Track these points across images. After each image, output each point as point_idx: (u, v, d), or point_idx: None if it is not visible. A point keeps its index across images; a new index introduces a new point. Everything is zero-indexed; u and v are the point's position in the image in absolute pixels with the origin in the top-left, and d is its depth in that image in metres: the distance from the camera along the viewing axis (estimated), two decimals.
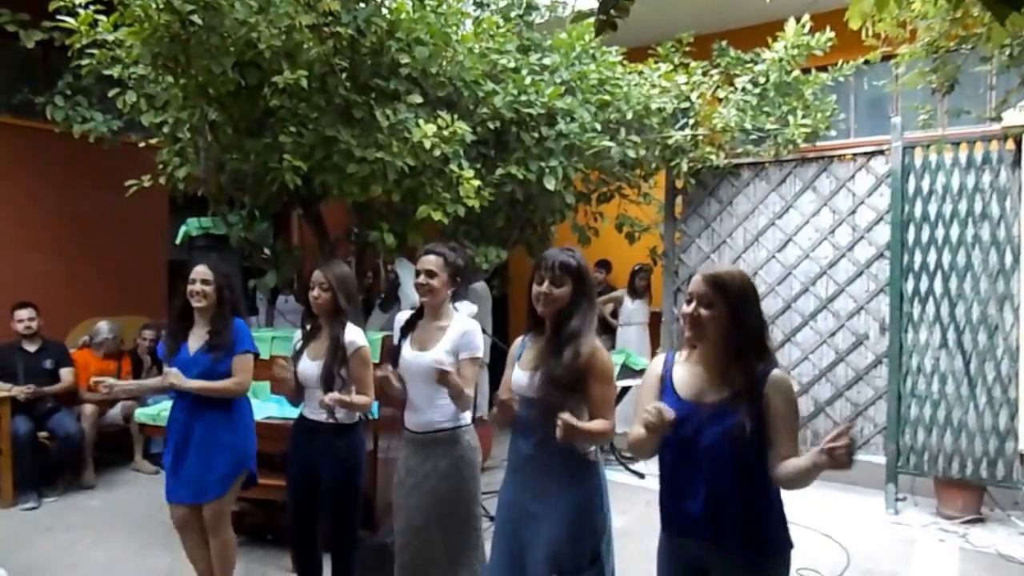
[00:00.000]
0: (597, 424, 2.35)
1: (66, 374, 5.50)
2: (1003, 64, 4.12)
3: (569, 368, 2.35)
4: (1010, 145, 4.87)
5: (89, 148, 5.06)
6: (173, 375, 3.17)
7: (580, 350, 2.37)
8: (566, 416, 2.16)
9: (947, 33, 4.32)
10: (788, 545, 2.05)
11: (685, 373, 2.11)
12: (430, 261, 2.94)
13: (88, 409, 5.57)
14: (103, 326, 5.85)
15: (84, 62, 4.29)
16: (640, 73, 5.37)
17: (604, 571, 2.44)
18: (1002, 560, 4.31)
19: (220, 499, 3.25)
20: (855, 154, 5.61)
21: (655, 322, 7.03)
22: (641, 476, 5.64)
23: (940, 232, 5.07)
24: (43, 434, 5.27)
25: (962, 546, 4.52)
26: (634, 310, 7.02)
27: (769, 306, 5.53)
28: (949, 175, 5.06)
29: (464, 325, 2.97)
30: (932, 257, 5.09)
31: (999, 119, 4.85)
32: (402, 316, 3.14)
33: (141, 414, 4.76)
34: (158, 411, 4.55)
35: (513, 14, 5.12)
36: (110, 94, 4.61)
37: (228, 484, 3.24)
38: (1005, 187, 4.87)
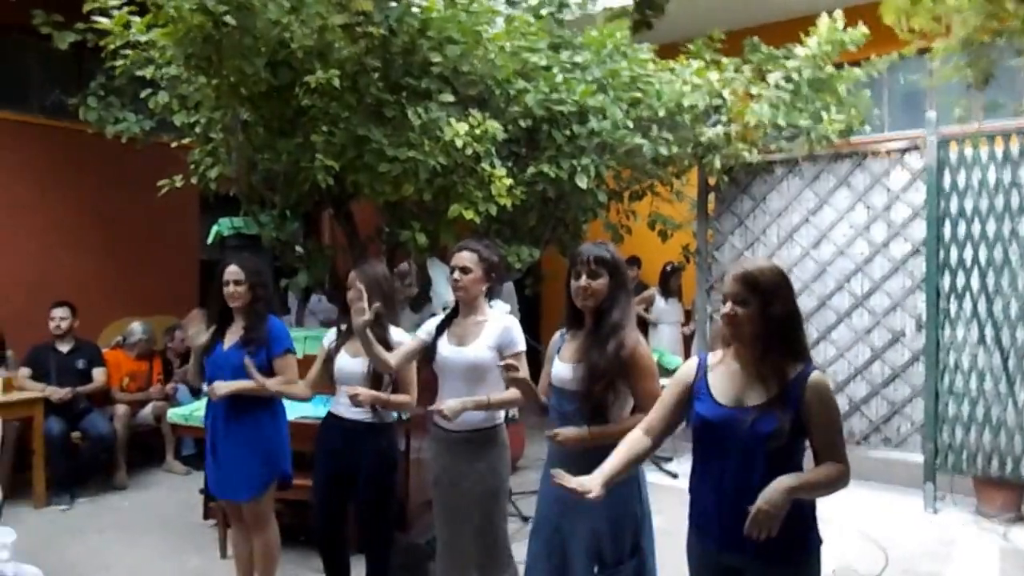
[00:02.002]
0: (626, 423, 2.35)
1: (98, 374, 5.54)
2: None
3: (613, 360, 2.37)
4: None
5: (121, 149, 5.09)
6: (213, 389, 3.16)
7: (624, 342, 2.40)
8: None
9: (982, 27, 4.24)
10: (817, 544, 2.03)
11: (722, 376, 2.08)
12: (464, 257, 2.92)
13: (120, 409, 5.62)
14: (136, 326, 5.89)
15: (117, 63, 4.32)
16: (672, 70, 5.31)
17: (645, 562, 2.45)
18: None
19: (256, 499, 3.25)
20: (889, 150, 5.53)
21: (687, 321, 7.01)
22: (674, 476, 5.60)
23: (977, 228, 4.99)
24: (76, 434, 5.31)
25: (1002, 545, 4.46)
26: (666, 309, 6.98)
27: (803, 304, 5.46)
28: (985, 170, 4.97)
29: (504, 321, 2.96)
30: (969, 253, 5.01)
31: None
32: (430, 323, 3.11)
33: (173, 414, 4.80)
34: (190, 411, 4.58)
35: (544, 12, 5.08)
36: (142, 95, 4.64)
37: (260, 485, 3.24)
38: None
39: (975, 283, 4.98)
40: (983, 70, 4.55)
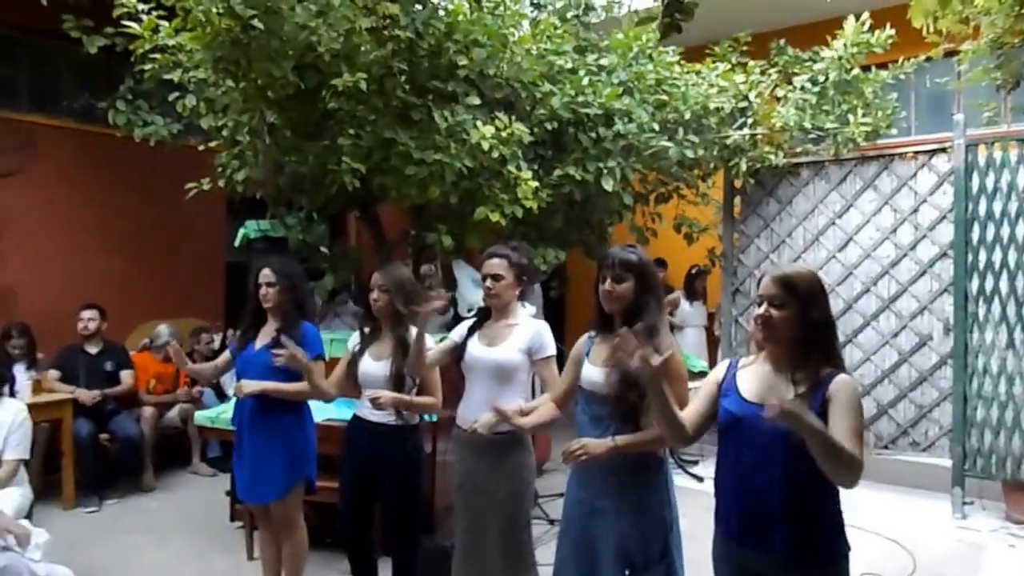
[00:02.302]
0: (654, 431, 2.33)
1: (126, 376, 5.58)
2: None
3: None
4: None
5: (149, 152, 5.14)
6: (240, 386, 3.20)
7: (659, 348, 2.34)
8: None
9: (1011, 29, 4.20)
10: (843, 553, 2.01)
11: (751, 375, 2.08)
12: (495, 264, 2.92)
13: (148, 412, 5.66)
14: (163, 329, 5.93)
15: (146, 67, 4.35)
16: (698, 73, 5.30)
17: (674, 566, 2.44)
18: None
19: (282, 502, 3.26)
20: (916, 152, 5.48)
21: (711, 324, 6.98)
22: (700, 479, 5.56)
23: (1005, 231, 4.94)
24: (104, 436, 5.35)
25: None
26: (691, 312, 6.98)
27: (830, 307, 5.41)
28: (1014, 172, 4.92)
29: (535, 325, 2.97)
30: (997, 256, 4.95)
31: None
32: (462, 326, 3.12)
33: (199, 416, 4.83)
34: (216, 413, 4.61)
35: (570, 15, 5.09)
36: (170, 98, 4.67)
37: (284, 488, 3.24)
38: None
39: (1004, 286, 4.92)
40: (1012, 72, 4.50)
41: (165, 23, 4.15)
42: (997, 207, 4.96)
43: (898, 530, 4.60)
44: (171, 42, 4.20)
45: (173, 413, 5.90)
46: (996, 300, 4.94)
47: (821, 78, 5.45)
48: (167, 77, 4.48)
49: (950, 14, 4.57)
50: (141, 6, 4.14)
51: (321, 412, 4.05)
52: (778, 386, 1.99)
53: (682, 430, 2.10)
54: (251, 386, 3.17)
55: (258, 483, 3.26)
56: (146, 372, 5.78)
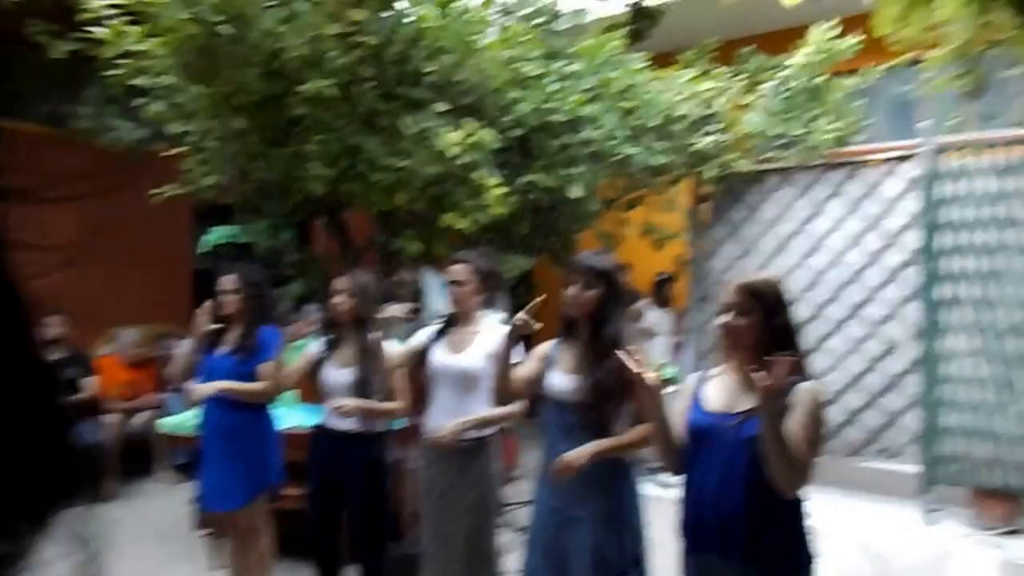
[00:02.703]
0: (631, 434, 2.34)
1: (88, 384, 5.50)
2: None
3: (618, 377, 2.31)
4: None
5: (116, 157, 5.08)
6: (198, 389, 3.17)
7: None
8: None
9: (975, 37, 4.27)
10: (808, 561, 2.01)
11: (717, 385, 2.10)
12: (458, 270, 2.94)
13: (111, 419, 5.57)
14: (128, 334, 5.86)
15: (112, 73, 4.31)
16: (665, 79, 5.33)
17: (644, 574, 2.45)
18: None
19: (246, 510, 3.24)
20: (883, 159, 5.54)
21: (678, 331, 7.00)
22: (668, 487, 5.56)
23: (971, 237, 4.99)
24: None
25: (999, 557, 4.42)
26: (658, 320, 6.96)
27: (798, 313, 5.42)
28: (979, 180, 4.98)
29: (500, 331, 2.95)
30: (963, 262, 5.01)
31: None
32: (423, 332, 3.12)
33: (164, 423, 4.76)
34: (181, 420, 4.56)
35: (537, 21, 5.10)
36: (137, 103, 4.63)
37: (247, 496, 3.23)
38: None
39: (970, 293, 4.97)
40: (976, 80, 4.56)
41: (132, 28, 4.12)
42: (962, 214, 5.01)
43: (867, 537, 4.62)
44: (138, 48, 4.17)
45: (138, 420, 5.81)
46: (963, 306, 4.99)
47: (788, 85, 5.51)
48: (134, 83, 4.44)
49: (915, 22, 4.63)
50: (107, 11, 4.10)
51: (287, 419, 4.03)
52: (743, 396, 2.00)
53: (677, 451, 2.12)
54: (206, 388, 3.14)
55: (222, 491, 3.24)
56: (110, 379, 5.70)
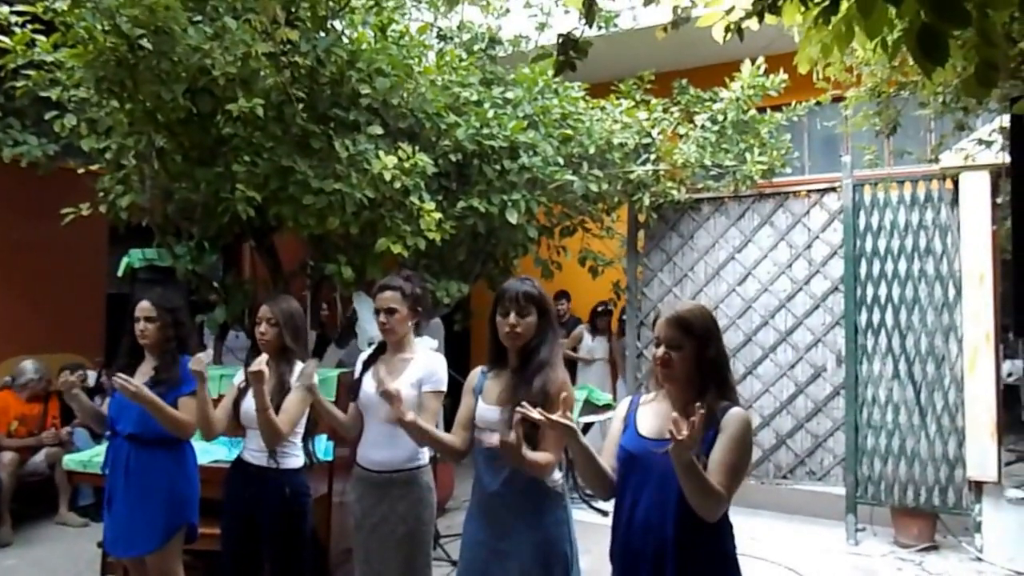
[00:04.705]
0: (540, 456, 2.28)
1: None
2: (938, 109, 4.30)
3: (540, 400, 2.26)
4: (948, 184, 5.07)
5: (21, 173, 4.77)
6: (122, 383, 2.83)
7: (550, 379, 2.35)
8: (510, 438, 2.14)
9: (888, 79, 4.48)
10: None
11: (650, 412, 2.11)
12: (388, 298, 2.84)
13: (7, 457, 5.11)
14: (28, 365, 5.42)
15: (18, 83, 4.05)
16: (602, 108, 5.40)
17: None
18: None
19: (160, 553, 3.00)
20: (809, 191, 5.74)
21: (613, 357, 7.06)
22: (605, 514, 5.54)
23: (890, 266, 5.21)
24: None
25: (919, 574, 4.57)
26: (595, 347, 7.04)
27: (730, 339, 5.56)
28: (896, 212, 5.22)
29: (429, 359, 2.89)
30: (883, 290, 5.21)
31: (937, 160, 5.05)
32: (363, 356, 3.01)
33: (70, 460, 4.39)
34: (90, 457, 4.24)
35: (476, 48, 5.09)
36: (47, 117, 4.36)
37: (163, 537, 2.99)
38: (946, 224, 5.05)
39: (889, 319, 5.18)
40: (890, 119, 4.78)
41: (42, 38, 3.88)
42: (882, 244, 5.23)
43: (795, 558, 4.70)
44: (48, 58, 3.94)
45: (39, 458, 5.37)
46: (883, 332, 5.18)
47: (720, 117, 5.66)
48: (44, 95, 4.18)
49: (835, 62, 4.82)
50: (14, 18, 3.86)
51: (207, 454, 3.81)
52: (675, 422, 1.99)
53: (606, 479, 2.12)
54: (130, 383, 2.78)
55: (134, 533, 2.99)
56: (7, 413, 5.26)
